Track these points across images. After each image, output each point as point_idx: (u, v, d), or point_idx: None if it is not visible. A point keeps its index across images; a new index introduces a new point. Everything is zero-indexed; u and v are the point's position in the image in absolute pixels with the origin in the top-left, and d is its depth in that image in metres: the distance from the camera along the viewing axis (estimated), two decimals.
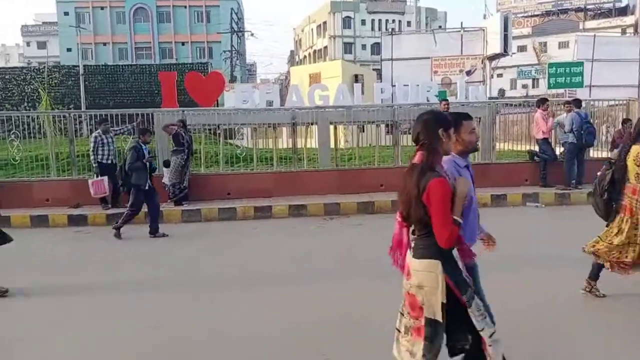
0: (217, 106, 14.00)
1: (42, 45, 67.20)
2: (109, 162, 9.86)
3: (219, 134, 11.87)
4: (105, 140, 9.83)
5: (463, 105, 11.94)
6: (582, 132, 10.57)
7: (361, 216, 9.66)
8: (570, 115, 10.69)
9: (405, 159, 11.73)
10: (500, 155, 11.71)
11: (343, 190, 10.70)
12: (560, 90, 17.68)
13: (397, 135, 11.13)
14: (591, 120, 10.95)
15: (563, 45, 55.00)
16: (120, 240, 8.10)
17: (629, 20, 54.29)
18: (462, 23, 36.22)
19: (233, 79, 40.51)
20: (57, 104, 29.11)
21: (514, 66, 52.40)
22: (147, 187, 8.09)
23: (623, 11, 56.11)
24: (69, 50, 52.70)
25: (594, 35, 36.33)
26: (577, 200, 10.26)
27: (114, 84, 32.24)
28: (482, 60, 33.74)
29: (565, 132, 10.79)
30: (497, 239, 3.45)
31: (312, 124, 11.89)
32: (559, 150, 11.30)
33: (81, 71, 29.85)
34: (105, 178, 9.78)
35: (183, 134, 9.84)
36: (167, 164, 9.66)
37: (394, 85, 12.71)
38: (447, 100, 10.07)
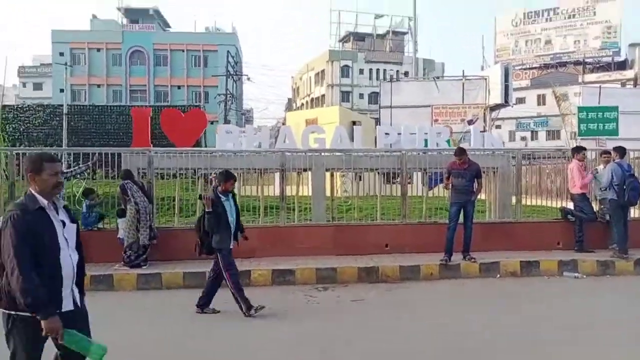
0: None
1: (38, 87, 66.49)
2: None
3: (197, 179, 10.12)
4: None
5: (479, 153, 10.28)
6: (624, 187, 8.86)
7: (362, 285, 7.76)
8: (610, 167, 9.00)
9: (414, 213, 9.94)
10: (526, 213, 9.93)
11: (340, 249, 8.85)
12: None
13: (405, 185, 9.38)
14: (635, 173, 9.24)
15: (562, 97, 54.74)
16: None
17: (628, 74, 54.16)
18: (463, 71, 35.19)
19: (227, 123, 39.24)
20: (39, 144, 27.58)
21: (512, 118, 51.76)
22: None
23: (622, 65, 56.07)
24: (61, 91, 51.56)
25: (600, 86, 35.47)
26: (623, 269, 8.45)
27: (100, 125, 30.78)
28: (484, 110, 32.64)
29: (602, 188, 9.10)
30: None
31: (305, 170, 10.14)
32: (596, 207, 9.56)
33: (65, 110, 28.41)
34: None
35: (130, 185, 8.04)
36: (121, 213, 7.83)
37: (399, 134, 11.07)
38: (459, 152, 8.45)
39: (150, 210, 8.13)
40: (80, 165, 8.70)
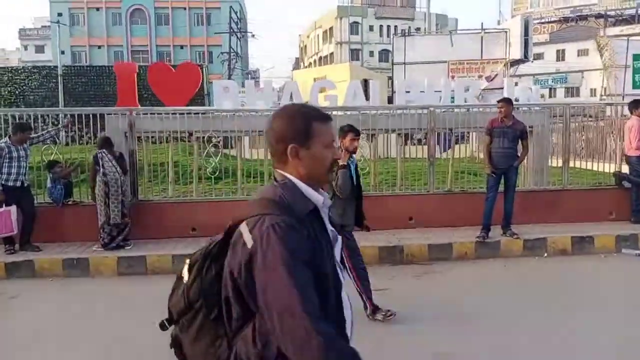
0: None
1: (40, 49, 64.70)
2: (18, 184, 6.78)
3: (198, 142, 8.75)
4: (14, 154, 6.75)
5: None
6: None
7: (384, 268, 6.52)
8: None
9: (439, 180, 8.59)
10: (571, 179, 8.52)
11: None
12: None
13: (433, 148, 7.97)
14: None
15: (582, 52, 52.03)
16: None
17: None
18: (482, 24, 33.10)
19: None
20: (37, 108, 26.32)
21: (529, 75, 49.44)
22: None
23: None
24: (62, 53, 49.98)
25: (628, 39, 33.17)
26: None
27: (98, 87, 29.25)
28: (504, 65, 30.68)
29: None
30: None
31: None
32: None
33: (60, 72, 26.91)
34: (13, 208, 6.71)
35: (103, 155, 6.75)
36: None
37: (422, 91, 9.58)
38: (504, 100, 6.95)
39: (123, 183, 6.84)
40: (50, 129, 7.40)
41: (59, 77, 26.90)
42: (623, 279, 6.08)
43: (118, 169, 6.74)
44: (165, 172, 8.47)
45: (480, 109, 8.86)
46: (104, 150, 6.77)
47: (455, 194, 8.02)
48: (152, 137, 8.04)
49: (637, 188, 7.85)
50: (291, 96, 9.89)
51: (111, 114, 8.23)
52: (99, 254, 6.61)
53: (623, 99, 18.76)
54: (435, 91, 10.25)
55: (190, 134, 8.45)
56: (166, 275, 6.28)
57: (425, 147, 8.61)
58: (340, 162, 4.38)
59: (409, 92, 9.87)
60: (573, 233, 7.16)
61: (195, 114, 8.26)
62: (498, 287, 5.80)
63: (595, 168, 8.67)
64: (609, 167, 8.34)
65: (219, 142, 7.87)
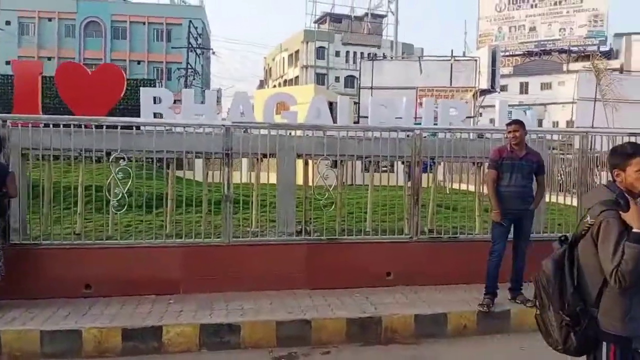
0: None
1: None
2: None
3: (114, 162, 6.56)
4: None
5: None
6: None
7: (354, 350, 4.57)
8: None
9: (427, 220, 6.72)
10: None
11: (317, 281, 5.62)
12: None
13: (417, 181, 6.13)
14: None
15: (546, 86, 52.56)
16: None
17: (613, 63, 52.16)
18: (452, 51, 32.34)
19: None
20: None
21: (492, 106, 49.33)
22: None
23: (607, 55, 54.08)
24: (7, 63, 46.75)
25: (597, 73, 32.98)
26: None
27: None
28: (475, 94, 29.74)
29: None
30: None
31: (266, 156, 6.76)
32: None
33: None
34: None
35: None
36: None
37: (400, 117, 7.80)
38: (517, 123, 5.21)
39: None
40: None
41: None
42: None
43: None
44: (55, 203, 6.28)
45: (471, 135, 7.14)
46: None
47: (444, 241, 6.17)
48: (56, 155, 5.87)
49: None
50: (242, 111, 7.96)
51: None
52: None
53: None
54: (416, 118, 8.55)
55: (108, 154, 6.32)
56: None
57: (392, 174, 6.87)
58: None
59: (384, 106, 8.05)
60: None
61: (106, 127, 6.11)
62: None
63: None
64: None
65: (125, 163, 5.74)
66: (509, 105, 43.00)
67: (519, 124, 5.21)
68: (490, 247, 5.25)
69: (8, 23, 47.34)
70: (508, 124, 5.29)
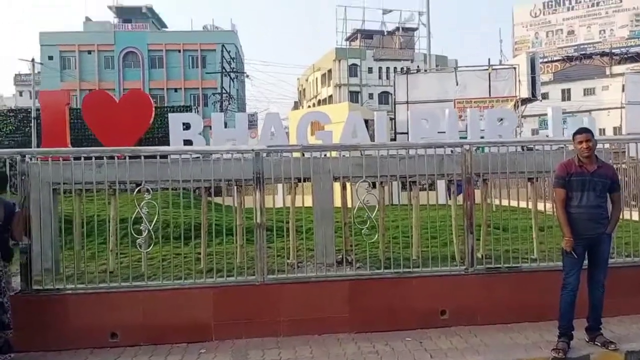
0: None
1: (37, 95, 63.64)
2: None
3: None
4: None
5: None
6: None
7: None
8: None
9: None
10: None
11: (360, 323, 5.01)
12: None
13: (470, 203, 5.48)
14: None
15: (589, 92, 50.45)
16: None
17: None
18: (489, 60, 31.35)
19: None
20: None
21: (534, 115, 47.61)
22: None
23: None
24: None
25: None
26: None
27: (79, 131, 27.21)
28: (516, 104, 28.62)
29: None
30: None
31: (300, 180, 6.25)
32: None
33: (33, 114, 24.94)
34: None
35: None
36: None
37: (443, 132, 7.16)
38: (588, 132, 4.54)
39: (4, 275, 4.35)
40: None
41: (33, 120, 24.91)
42: None
43: None
44: (90, 239, 5.92)
45: (522, 148, 6.44)
46: None
47: (502, 272, 5.44)
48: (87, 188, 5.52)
49: None
50: (272, 133, 7.52)
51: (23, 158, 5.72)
52: None
53: None
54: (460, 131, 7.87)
55: (138, 185, 5.96)
56: None
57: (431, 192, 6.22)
58: None
59: (425, 120, 7.43)
60: None
61: (133, 158, 5.75)
62: None
63: None
64: None
65: (150, 196, 5.32)
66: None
67: (589, 132, 4.52)
68: (561, 278, 4.54)
69: (51, 58, 49.22)
70: (576, 133, 4.59)
